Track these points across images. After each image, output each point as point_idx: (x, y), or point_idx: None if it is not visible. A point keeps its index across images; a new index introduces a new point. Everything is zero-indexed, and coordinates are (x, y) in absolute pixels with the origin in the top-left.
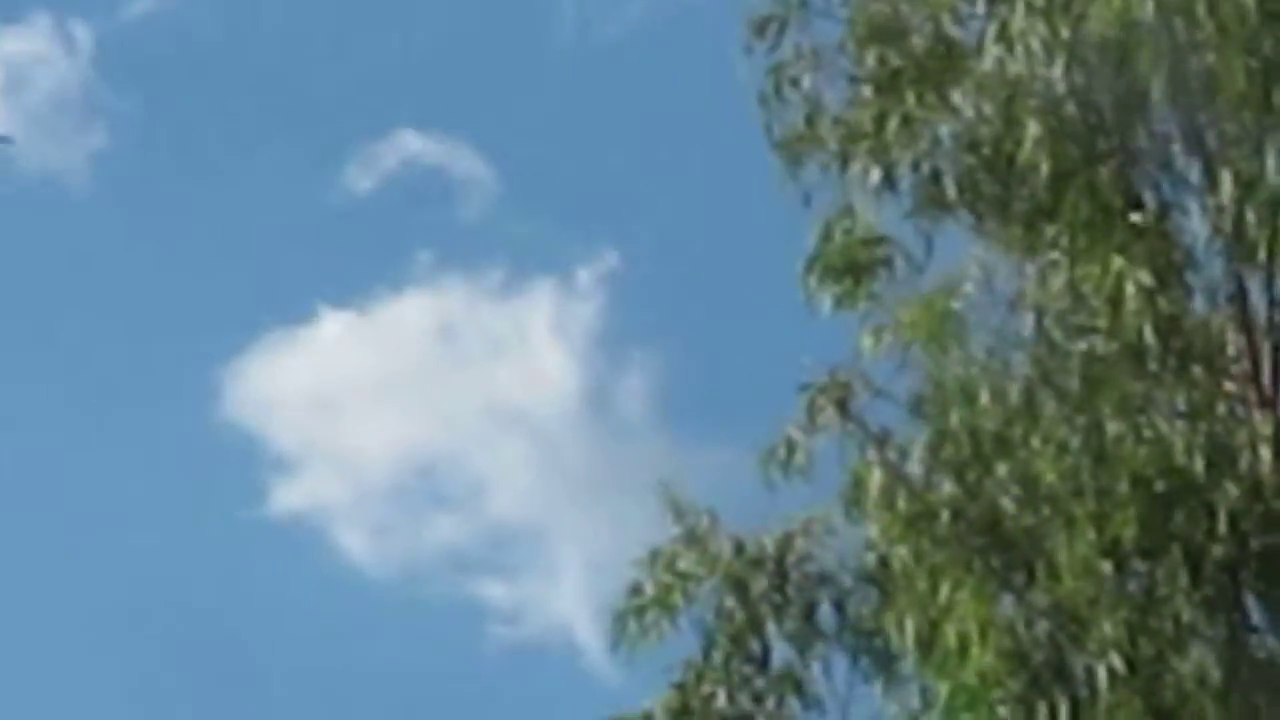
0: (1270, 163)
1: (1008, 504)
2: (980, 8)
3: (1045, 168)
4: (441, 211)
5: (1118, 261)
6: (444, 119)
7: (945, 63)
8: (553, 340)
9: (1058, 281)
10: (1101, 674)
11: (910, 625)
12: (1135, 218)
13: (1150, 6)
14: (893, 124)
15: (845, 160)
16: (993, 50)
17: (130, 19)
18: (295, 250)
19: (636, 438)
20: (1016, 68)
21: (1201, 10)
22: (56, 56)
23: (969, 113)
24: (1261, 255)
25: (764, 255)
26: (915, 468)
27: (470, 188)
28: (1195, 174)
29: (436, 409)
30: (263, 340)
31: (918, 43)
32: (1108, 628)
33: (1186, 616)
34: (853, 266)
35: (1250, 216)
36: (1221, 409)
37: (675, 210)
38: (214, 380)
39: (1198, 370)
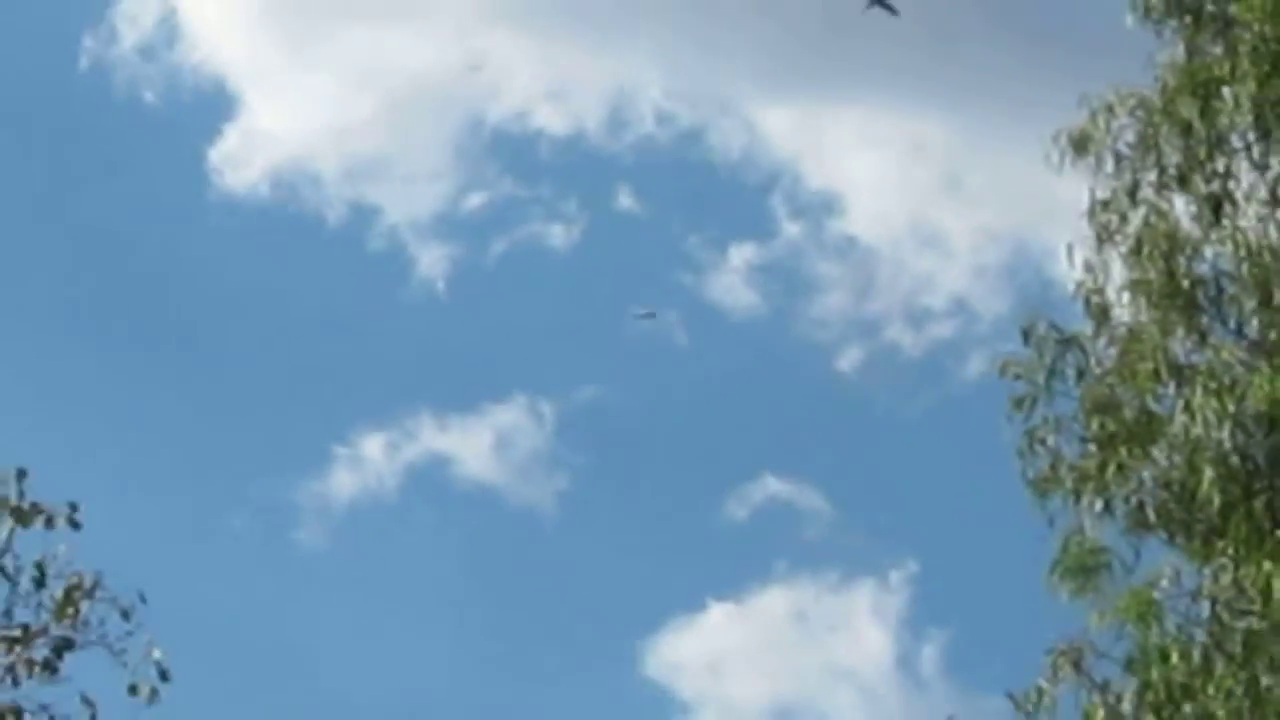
0: None
1: None
2: (1171, 389)
3: (1216, 500)
4: (792, 530)
5: (1268, 566)
6: (793, 464)
7: (1147, 427)
8: (873, 621)
9: (1226, 579)
10: None
11: None
12: None
13: None
14: (1110, 470)
15: (1078, 495)
16: (1180, 418)
17: (581, 399)
18: (691, 557)
19: (934, 690)
20: (1197, 431)
21: None
22: (531, 425)
23: (1163, 462)
24: None
25: (1021, 562)
26: (1127, 708)
27: (812, 515)
28: None
29: (793, 671)
30: (670, 622)
31: (1128, 413)
32: None
33: None
34: (1084, 569)
35: None
36: None
37: (959, 530)
38: (636, 649)
39: None
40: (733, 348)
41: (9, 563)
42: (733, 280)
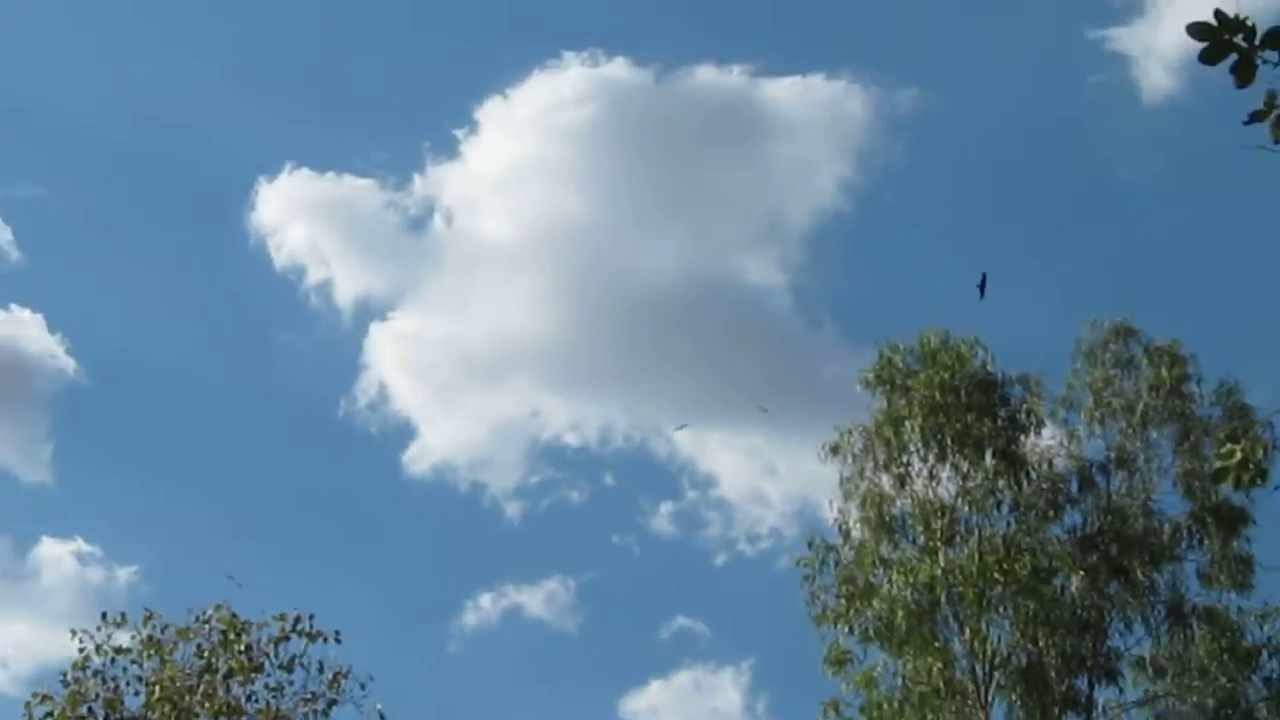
0: None
1: None
2: (880, 571)
3: (904, 627)
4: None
5: (931, 660)
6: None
7: (870, 590)
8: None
9: (909, 667)
10: None
11: None
12: (937, 645)
13: (940, 571)
14: (853, 609)
15: (835, 624)
16: (885, 586)
17: None
18: None
19: None
20: (895, 592)
21: (957, 571)
22: None
23: (879, 607)
24: None
25: (807, 658)
26: None
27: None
28: None
29: None
30: None
31: (858, 583)
32: None
33: None
34: (839, 661)
35: None
36: None
37: (785, 642)
38: None
39: None
40: (662, 554)
41: (305, 662)
42: (661, 521)
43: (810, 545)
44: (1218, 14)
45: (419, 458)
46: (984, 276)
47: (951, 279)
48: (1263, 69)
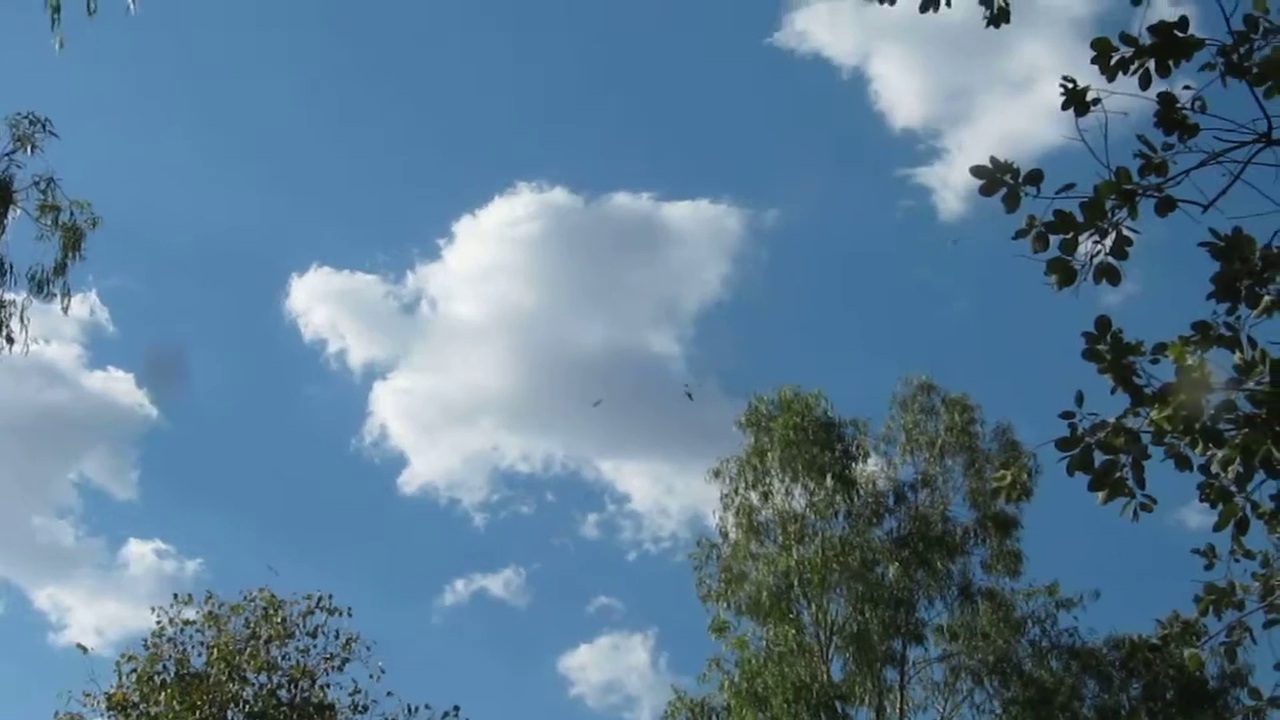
0: None
1: None
2: (749, 562)
3: (768, 603)
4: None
5: (787, 629)
6: None
7: (745, 580)
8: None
9: (772, 633)
10: None
11: None
12: (792, 617)
13: (794, 562)
14: (730, 593)
15: (718, 601)
16: (754, 573)
17: None
18: None
19: None
20: (760, 577)
21: (807, 563)
22: None
23: (748, 589)
24: None
25: (693, 626)
26: None
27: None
28: None
29: None
30: None
31: (733, 570)
32: None
33: None
34: (720, 628)
35: None
36: None
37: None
38: None
39: None
40: (590, 551)
41: (326, 631)
42: (590, 528)
43: (699, 543)
44: (992, 160)
45: (410, 481)
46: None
47: (802, 346)
48: (1025, 199)
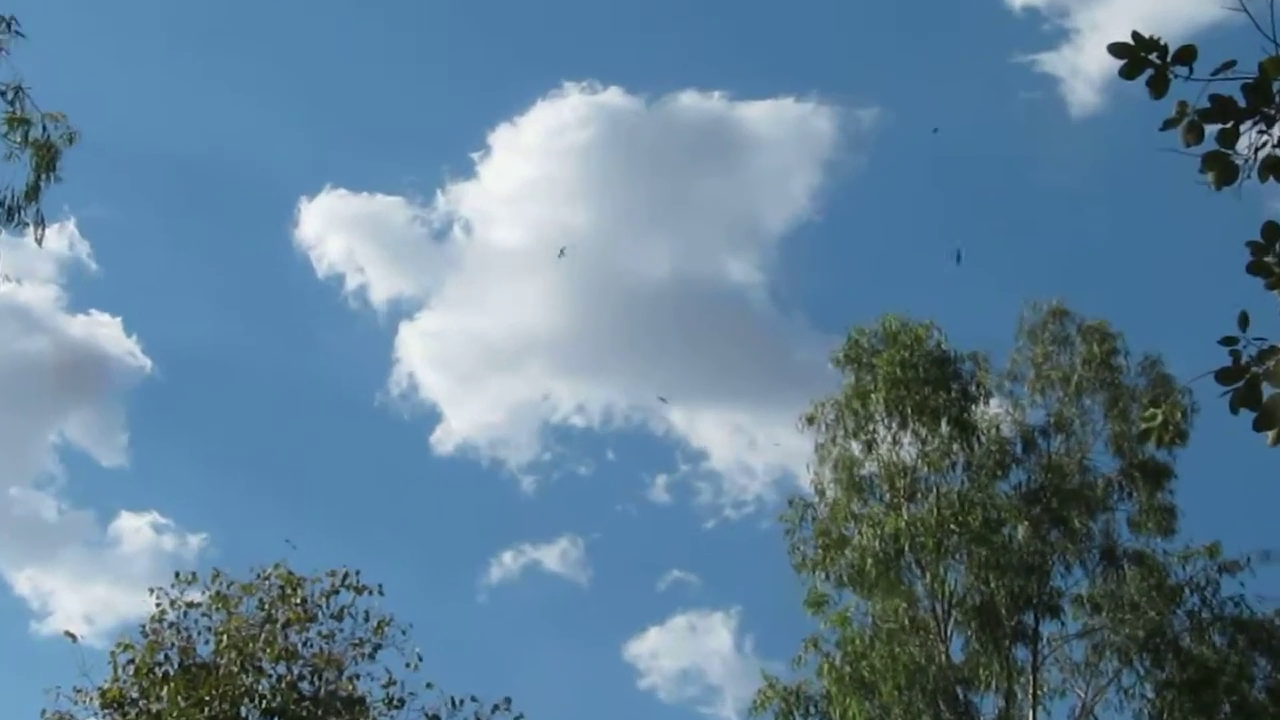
0: None
1: None
2: (852, 524)
3: (873, 572)
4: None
5: (897, 602)
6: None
7: (842, 540)
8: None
9: (879, 607)
10: None
11: None
12: (902, 588)
13: (904, 524)
14: (828, 557)
15: (815, 570)
16: (856, 537)
17: None
18: None
19: None
20: (864, 542)
21: (919, 525)
22: None
23: (851, 555)
24: None
25: (785, 600)
26: None
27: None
28: None
29: None
30: None
31: (833, 535)
32: None
33: None
34: (817, 603)
35: None
36: None
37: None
38: None
39: None
40: (659, 519)
41: (353, 612)
42: (657, 492)
43: (790, 504)
44: (1134, 36)
45: (444, 439)
46: (959, 251)
47: (908, 271)
48: (1175, 83)
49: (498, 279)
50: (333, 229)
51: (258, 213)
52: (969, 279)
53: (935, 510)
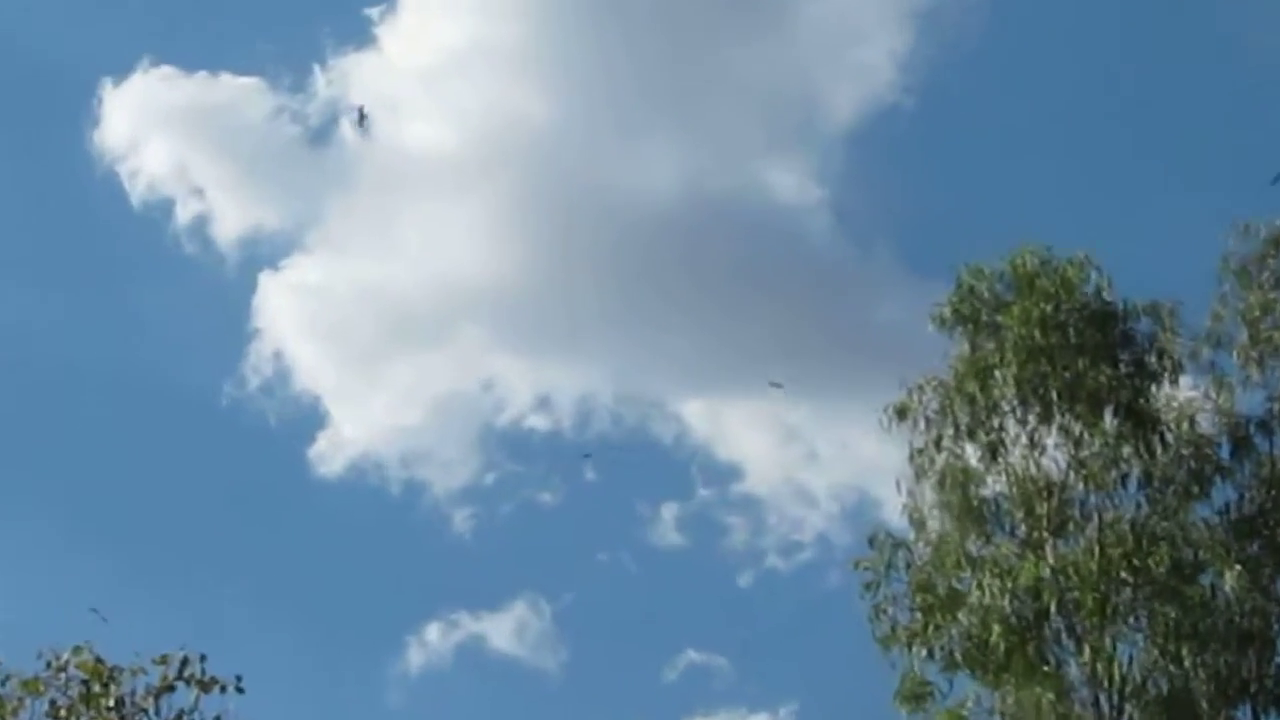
0: None
1: None
2: (969, 573)
3: (1002, 647)
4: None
5: (1039, 690)
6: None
7: (954, 599)
8: None
9: (1010, 700)
10: None
11: None
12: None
13: (1048, 571)
14: (930, 629)
15: (910, 646)
16: (975, 593)
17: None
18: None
19: None
20: (987, 600)
21: (1071, 571)
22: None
23: (965, 623)
24: None
25: (871, 693)
26: None
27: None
28: None
29: None
30: None
31: (940, 590)
32: None
33: None
34: (915, 696)
35: None
36: None
37: (829, 677)
38: None
39: None
40: (666, 571)
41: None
42: (664, 529)
43: (872, 544)
44: None
45: (331, 453)
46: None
47: (1048, 182)
48: None
49: (411, 204)
50: (153, 129)
51: (34, 105)
52: (1136, 192)
53: (1097, 550)
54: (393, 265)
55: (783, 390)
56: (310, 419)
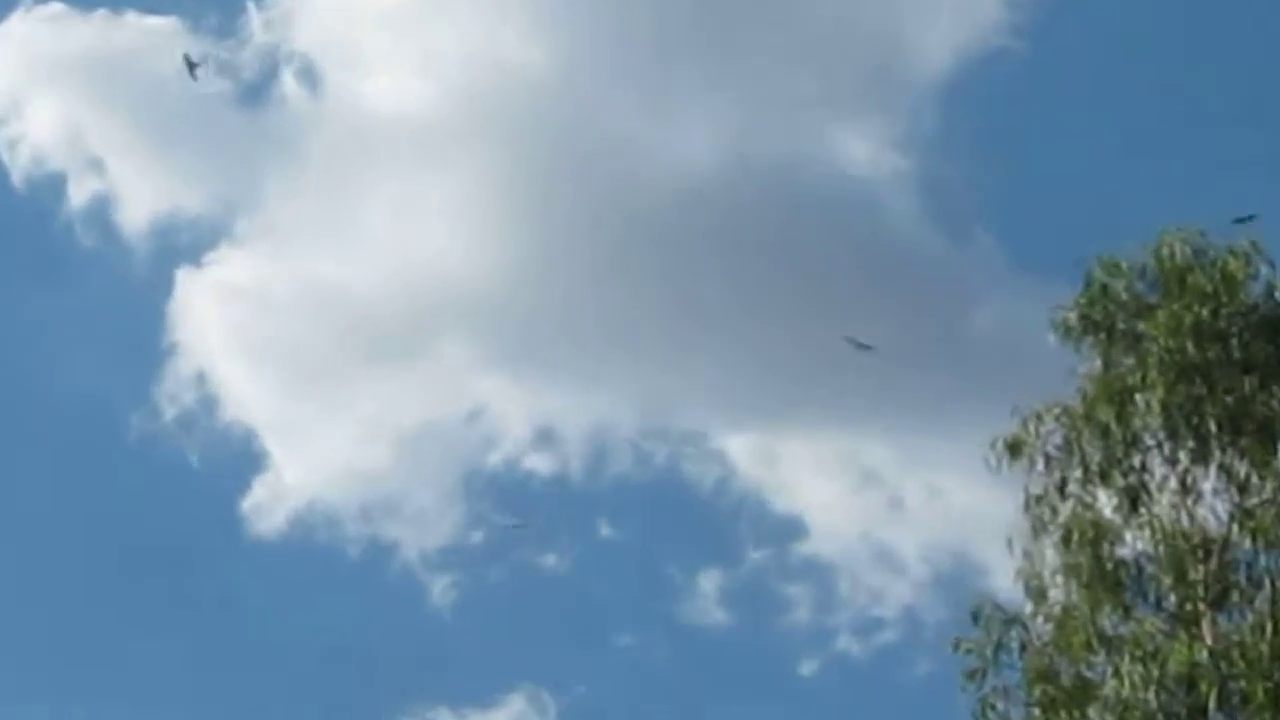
0: None
1: None
2: (1102, 658)
3: None
4: None
5: None
6: None
7: (1083, 692)
8: None
9: None
10: None
11: None
12: None
13: (1206, 654)
14: None
15: None
16: (1111, 683)
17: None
18: None
19: None
20: (1126, 694)
21: (1236, 654)
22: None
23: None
24: None
25: None
26: None
27: None
28: None
29: None
30: None
31: (1065, 681)
32: None
33: None
34: None
35: None
36: None
37: None
38: None
39: None
40: (707, 657)
41: None
42: (705, 603)
43: (976, 618)
44: None
45: (271, 503)
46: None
47: (1201, 152)
48: None
49: (373, 181)
50: (38, 85)
51: None
52: None
53: (1269, 626)
54: (350, 261)
55: (873, 352)
56: (244, 460)
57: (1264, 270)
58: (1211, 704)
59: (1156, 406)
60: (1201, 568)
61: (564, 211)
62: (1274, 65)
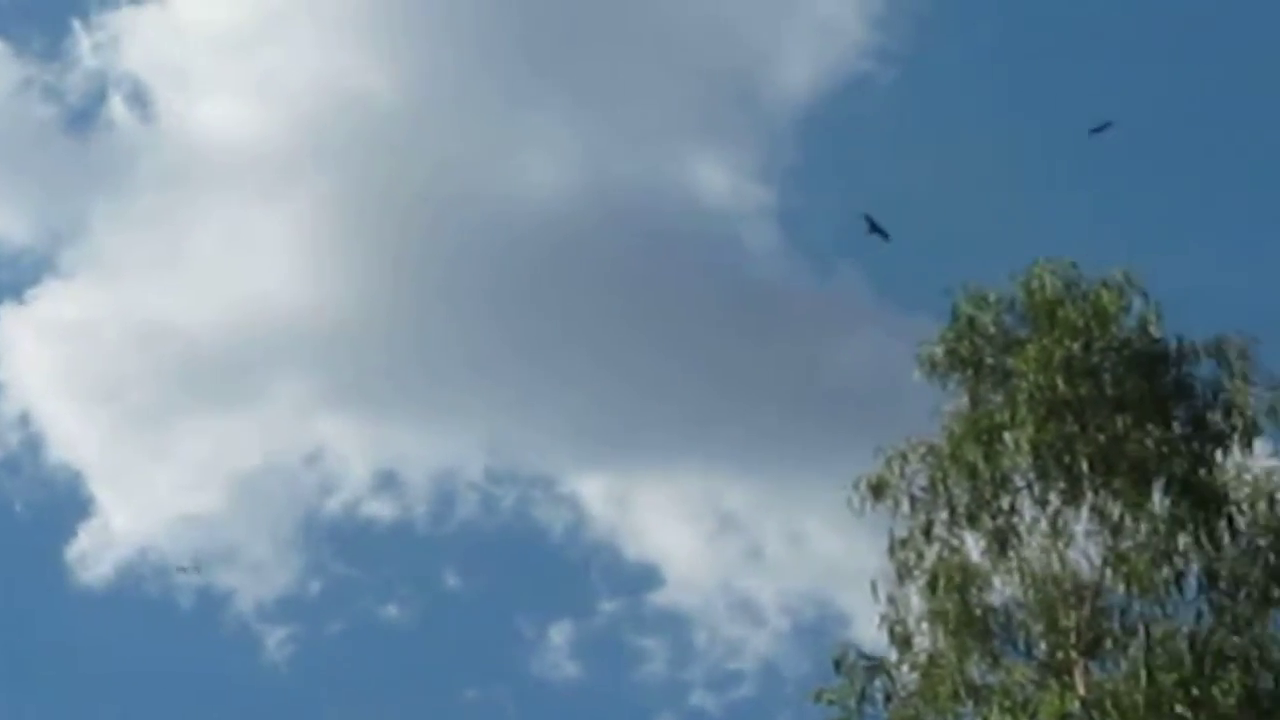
0: None
1: None
2: (970, 708)
3: None
4: None
5: None
6: None
7: None
8: None
9: None
10: None
11: None
12: None
13: (1078, 705)
14: None
15: None
16: None
17: None
18: None
19: None
20: None
21: (1110, 704)
22: None
23: None
24: None
25: None
26: None
27: None
28: None
29: None
30: None
31: None
32: None
33: None
34: None
35: None
36: None
37: None
38: None
39: None
40: (558, 712)
41: None
42: (556, 656)
43: (839, 667)
44: None
45: (98, 550)
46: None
47: (1071, 182)
48: None
49: (206, 212)
50: None
51: None
52: (1203, 195)
53: (1144, 674)
54: (182, 295)
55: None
56: (69, 505)
57: (1137, 303)
58: None
59: (1026, 445)
60: (1073, 614)
61: (405, 245)
62: (1146, 93)
